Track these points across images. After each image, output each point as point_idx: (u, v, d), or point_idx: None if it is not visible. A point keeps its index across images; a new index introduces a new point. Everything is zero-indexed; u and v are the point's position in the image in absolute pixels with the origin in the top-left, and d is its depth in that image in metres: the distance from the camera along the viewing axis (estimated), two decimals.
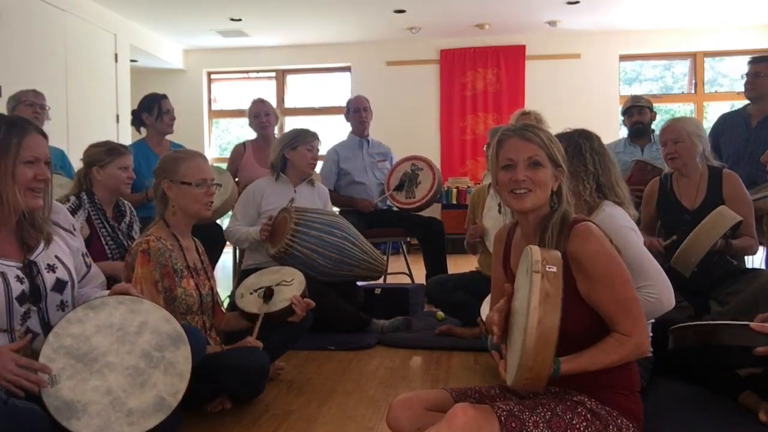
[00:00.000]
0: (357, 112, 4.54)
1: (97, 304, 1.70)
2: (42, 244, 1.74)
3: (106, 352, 1.64)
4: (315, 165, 3.55)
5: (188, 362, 1.69)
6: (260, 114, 4.32)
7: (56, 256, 1.77)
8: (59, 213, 1.86)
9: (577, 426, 1.43)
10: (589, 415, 1.44)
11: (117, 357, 1.64)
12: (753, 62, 3.70)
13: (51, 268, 1.74)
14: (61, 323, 1.64)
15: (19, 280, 1.67)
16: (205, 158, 2.36)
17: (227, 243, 3.76)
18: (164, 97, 3.94)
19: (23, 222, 1.72)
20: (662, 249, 2.83)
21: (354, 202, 4.38)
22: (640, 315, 1.48)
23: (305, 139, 3.46)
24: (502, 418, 1.39)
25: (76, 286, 1.81)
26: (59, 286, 1.75)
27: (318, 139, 3.52)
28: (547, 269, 1.36)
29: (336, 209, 4.39)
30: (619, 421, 1.47)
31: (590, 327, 1.49)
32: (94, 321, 1.66)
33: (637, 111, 4.11)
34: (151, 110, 3.88)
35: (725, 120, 3.84)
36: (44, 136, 1.72)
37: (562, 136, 2.04)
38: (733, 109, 3.93)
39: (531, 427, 1.40)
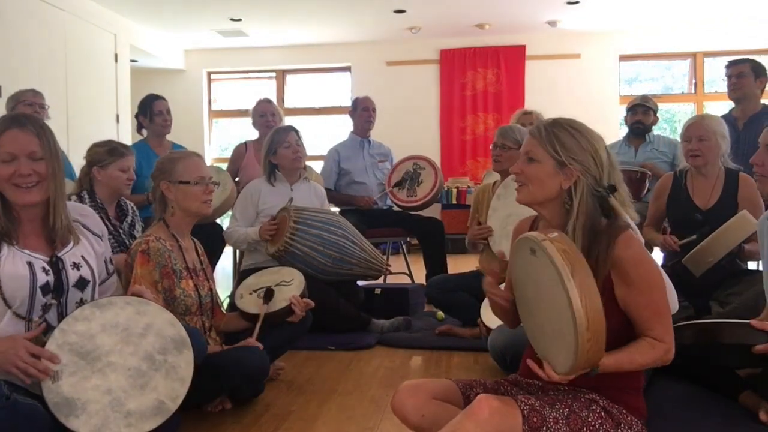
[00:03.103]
0: (366, 110, 4.53)
1: (104, 302, 1.70)
2: (71, 244, 1.77)
3: (109, 352, 1.64)
4: (300, 158, 3.46)
5: (190, 367, 1.69)
6: (266, 114, 4.31)
7: (82, 256, 1.80)
8: (88, 217, 1.89)
9: (593, 424, 1.44)
10: (603, 413, 1.47)
11: (120, 357, 1.64)
12: (734, 64, 3.76)
13: (76, 266, 1.76)
14: (67, 320, 1.64)
15: (45, 271, 1.69)
16: (201, 157, 2.38)
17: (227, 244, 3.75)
18: (157, 98, 3.92)
19: (48, 220, 1.74)
20: (678, 248, 2.83)
21: (354, 199, 4.38)
22: (670, 323, 1.49)
23: (279, 139, 3.43)
24: (525, 412, 1.40)
25: (97, 288, 1.83)
26: (81, 284, 1.77)
27: (293, 130, 3.46)
28: (550, 236, 1.38)
29: (336, 209, 4.39)
30: (629, 418, 1.49)
31: (618, 331, 1.47)
32: (100, 320, 1.66)
33: (642, 111, 4.11)
34: (145, 113, 3.88)
35: None
36: (32, 131, 1.69)
37: None
38: (721, 115, 3.96)
39: (551, 423, 1.41)
